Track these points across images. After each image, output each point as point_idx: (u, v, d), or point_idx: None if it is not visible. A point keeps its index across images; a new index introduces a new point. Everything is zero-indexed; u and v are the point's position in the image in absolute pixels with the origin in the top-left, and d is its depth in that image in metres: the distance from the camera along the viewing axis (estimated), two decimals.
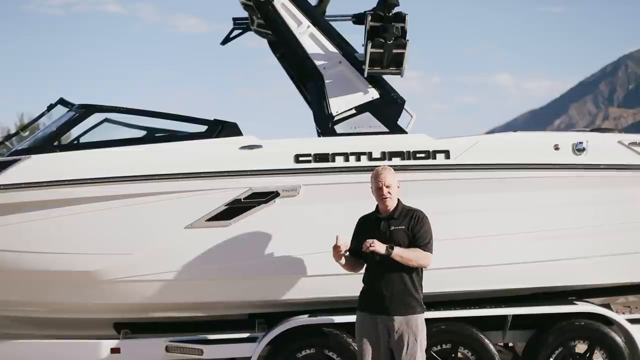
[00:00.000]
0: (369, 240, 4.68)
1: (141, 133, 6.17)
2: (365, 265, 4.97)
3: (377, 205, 4.96)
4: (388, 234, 4.79)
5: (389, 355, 4.82)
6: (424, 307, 4.89)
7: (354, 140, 5.75)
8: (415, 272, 4.81)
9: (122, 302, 5.57)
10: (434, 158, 5.64)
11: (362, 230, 4.96)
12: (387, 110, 6.00)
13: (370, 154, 5.60)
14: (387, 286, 4.75)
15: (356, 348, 5.46)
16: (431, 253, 4.80)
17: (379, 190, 4.86)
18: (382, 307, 4.77)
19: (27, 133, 6.63)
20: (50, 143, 5.67)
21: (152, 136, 6.07)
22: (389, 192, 4.83)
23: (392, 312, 4.75)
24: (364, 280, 4.95)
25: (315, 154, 5.58)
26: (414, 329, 4.75)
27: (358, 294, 5.00)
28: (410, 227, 4.81)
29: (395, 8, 5.94)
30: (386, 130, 5.90)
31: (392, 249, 4.68)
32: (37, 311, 5.72)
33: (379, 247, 4.66)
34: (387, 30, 5.85)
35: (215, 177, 5.49)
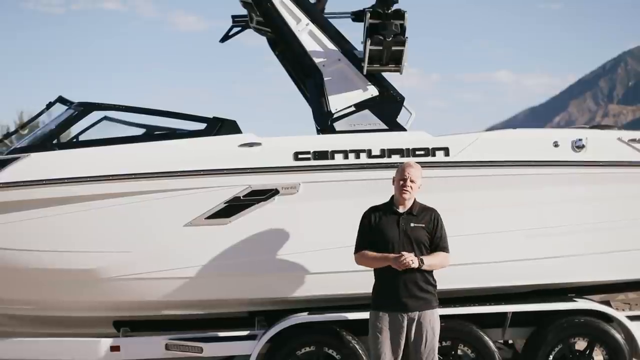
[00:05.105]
0: (404, 257, 4.62)
1: (140, 131, 6.18)
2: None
3: (392, 198, 4.92)
4: (409, 231, 4.78)
5: (402, 351, 4.79)
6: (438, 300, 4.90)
7: (353, 137, 5.74)
8: None
9: (121, 299, 5.57)
10: (434, 155, 5.64)
11: (377, 224, 4.86)
12: (386, 107, 5.99)
13: (369, 151, 5.60)
14: (406, 283, 4.72)
15: (356, 346, 5.48)
16: (449, 252, 4.86)
17: (401, 182, 4.84)
18: (401, 304, 4.73)
19: (26, 131, 6.63)
20: (49, 141, 5.66)
21: (151, 134, 6.08)
22: (410, 187, 4.82)
23: (412, 308, 4.74)
24: (378, 279, 4.86)
25: (314, 152, 5.57)
26: (432, 322, 4.78)
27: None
28: (430, 228, 4.82)
29: (395, 5, 5.94)
30: (385, 127, 5.89)
31: (423, 262, 4.70)
32: (36, 309, 5.72)
33: (415, 262, 4.65)
34: (386, 27, 5.85)
35: (214, 174, 5.48)
